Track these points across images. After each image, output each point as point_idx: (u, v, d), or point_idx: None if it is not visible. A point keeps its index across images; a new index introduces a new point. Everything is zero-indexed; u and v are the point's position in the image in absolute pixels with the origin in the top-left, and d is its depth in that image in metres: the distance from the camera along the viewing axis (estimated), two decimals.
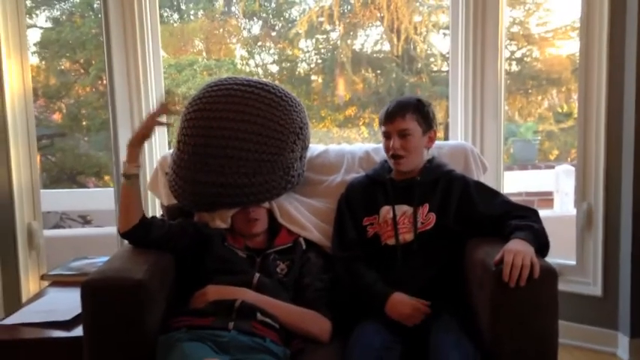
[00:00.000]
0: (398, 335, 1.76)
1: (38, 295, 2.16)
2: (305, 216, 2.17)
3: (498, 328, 1.65)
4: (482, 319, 1.72)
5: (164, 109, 1.94)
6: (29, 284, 2.60)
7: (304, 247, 2.07)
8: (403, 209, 1.98)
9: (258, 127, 2.04)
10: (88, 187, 6.50)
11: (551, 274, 1.63)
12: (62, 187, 6.60)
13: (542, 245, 1.76)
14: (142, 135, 1.93)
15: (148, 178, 2.61)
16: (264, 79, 2.24)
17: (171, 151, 2.24)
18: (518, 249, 1.64)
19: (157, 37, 2.88)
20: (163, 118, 1.95)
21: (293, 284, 1.95)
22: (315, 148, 2.43)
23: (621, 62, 2.57)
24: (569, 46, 5.86)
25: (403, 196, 2.00)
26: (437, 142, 2.44)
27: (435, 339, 1.68)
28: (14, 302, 2.50)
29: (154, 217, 1.99)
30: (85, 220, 6.06)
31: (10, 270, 2.54)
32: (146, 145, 2.78)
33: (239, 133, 2.02)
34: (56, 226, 5.88)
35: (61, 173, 6.97)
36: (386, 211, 1.99)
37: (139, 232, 1.88)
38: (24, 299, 2.51)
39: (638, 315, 2.56)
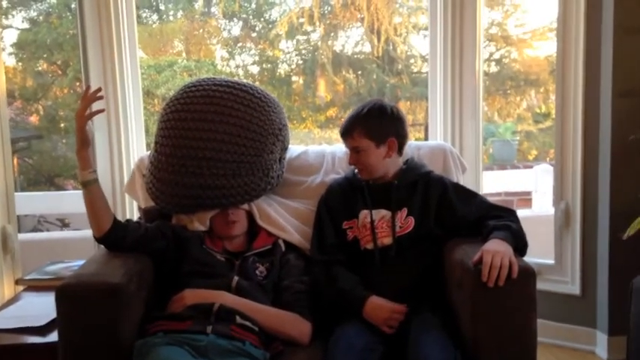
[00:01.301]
0: (379, 336, 1.75)
1: (12, 300, 2.12)
2: (284, 218, 2.15)
3: (478, 327, 1.65)
4: (462, 319, 1.73)
5: (85, 100, 1.83)
6: (4, 289, 2.55)
7: (284, 249, 2.06)
8: (382, 213, 1.97)
9: (236, 128, 2.03)
10: (67, 190, 6.43)
11: (529, 274, 1.64)
12: (40, 190, 6.52)
13: (520, 245, 1.77)
14: (80, 138, 1.82)
15: (126, 181, 2.58)
16: (243, 80, 2.23)
17: (149, 152, 2.22)
18: (496, 249, 1.65)
19: (134, 37, 2.84)
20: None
21: (272, 287, 1.93)
22: (294, 149, 2.42)
23: (597, 62, 2.60)
24: (547, 48, 5.92)
25: (381, 200, 1.98)
26: (416, 143, 2.45)
27: (415, 338, 1.68)
28: None
29: (129, 220, 1.96)
30: (63, 223, 5.97)
31: None
32: (123, 146, 2.79)
33: (217, 134, 2.00)
34: (34, 230, 5.79)
35: (39, 176, 6.89)
36: (364, 215, 1.98)
37: (113, 237, 1.85)
38: None
39: (616, 313, 2.58)
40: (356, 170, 2.04)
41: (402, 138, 2.01)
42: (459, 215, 1.93)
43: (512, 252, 1.66)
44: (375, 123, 1.95)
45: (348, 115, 2.01)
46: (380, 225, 1.95)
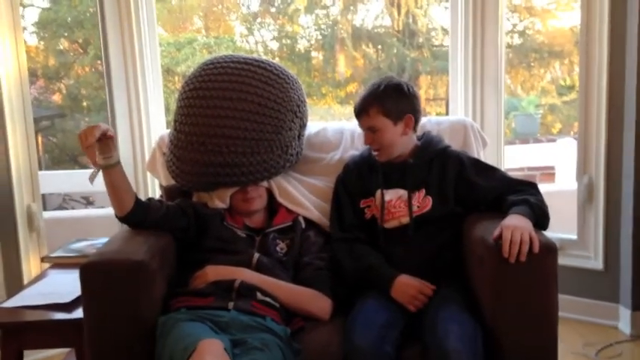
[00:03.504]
0: (399, 312, 1.76)
1: (39, 278, 2.16)
2: (304, 194, 2.16)
3: (499, 303, 1.65)
4: (483, 295, 1.72)
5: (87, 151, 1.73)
6: (30, 266, 2.61)
7: (304, 225, 2.07)
8: (399, 193, 1.95)
9: (255, 105, 2.02)
10: (90, 168, 6.48)
11: (550, 249, 1.62)
12: (64, 169, 6.60)
13: (541, 218, 1.75)
14: (91, 156, 1.75)
15: (147, 159, 2.60)
16: (262, 57, 2.22)
17: (169, 130, 2.23)
18: (516, 224, 1.63)
19: (153, 14, 2.84)
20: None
21: (293, 263, 1.94)
22: (313, 125, 2.41)
23: (622, 34, 2.54)
24: (572, 18, 5.78)
25: (397, 180, 1.96)
26: (436, 118, 2.43)
27: (434, 313, 1.68)
28: (15, 285, 2.50)
29: (151, 199, 1.98)
30: (87, 201, 6.06)
31: (10, 253, 2.54)
32: (144, 125, 2.81)
33: (236, 112, 2.00)
34: (59, 208, 5.89)
35: (63, 154, 6.97)
36: (380, 194, 1.97)
37: (136, 216, 1.85)
38: (25, 281, 2.51)
39: (639, 288, 2.56)
40: (373, 151, 2.00)
41: (417, 114, 1.97)
42: (478, 191, 1.91)
43: (531, 227, 1.65)
44: (392, 100, 1.91)
45: (362, 93, 1.96)
46: (397, 204, 1.94)
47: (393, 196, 1.95)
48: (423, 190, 1.94)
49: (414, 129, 1.98)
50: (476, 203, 1.92)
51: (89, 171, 1.78)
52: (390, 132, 1.92)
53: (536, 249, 1.59)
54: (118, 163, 1.80)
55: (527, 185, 1.88)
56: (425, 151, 1.99)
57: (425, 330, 1.66)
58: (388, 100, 1.91)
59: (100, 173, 1.77)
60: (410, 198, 1.93)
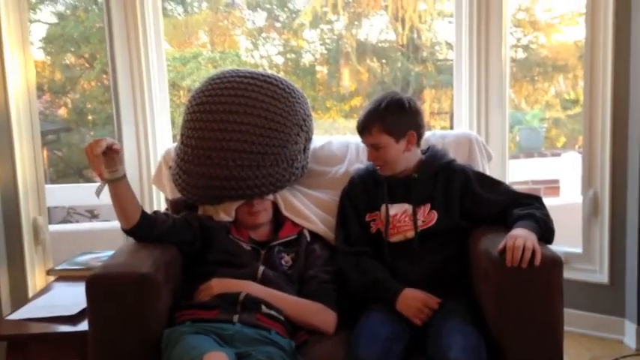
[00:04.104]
0: (404, 325, 1.75)
1: (44, 290, 2.17)
2: (309, 208, 2.16)
3: (504, 316, 1.65)
4: (488, 309, 1.72)
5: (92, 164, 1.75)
6: (35, 279, 2.61)
7: (309, 239, 2.07)
8: (404, 207, 1.95)
9: (261, 119, 2.04)
10: (95, 182, 6.51)
11: (556, 263, 1.62)
12: (69, 182, 6.62)
13: (545, 232, 1.75)
14: (97, 169, 1.77)
15: (153, 172, 2.61)
16: (267, 71, 2.23)
17: (175, 144, 2.24)
18: (520, 235, 1.64)
19: (160, 29, 2.87)
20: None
21: (298, 277, 1.94)
22: (318, 139, 2.42)
23: (627, 47, 2.55)
24: (576, 32, 5.80)
25: (402, 194, 1.96)
26: (441, 132, 2.44)
27: (438, 325, 1.69)
28: (21, 297, 2.51)
29: (157, 212, 1.98)
30: (92, 214, 6.08)
31: (16, 265, 2.55)
32: (150, 138, 2.83)
33: (242, 126, 2.02)
34: (64, 221, 5.90)
35: (68, 168, 7.00)
36: (385, 208, 1.97)
37: (142, 229, 1.86)
38: (30, 294, 2.51)
39: None
40: (376, 167, 2.00)
41: (421, 130, 1.97)
42: (483, 205, 1.91)
43: (536, 239, 1.65)
44: (394, 118, 1.90)
45: (364, 110, 1.96)
46: (402, 218, 1.94)
47: (398, 210, 1.95)
48: (429, 205, 1.94)
49: (418, 144, 1.98)
50: (481, 217, 1.92)
51: (94, 184, 1.79)
52: (393, 149, 1.92)
53: (538, 261, 1.59)
54: (124, 176, 1.81)
55: (533, 199, 1.89)
56: (429, 165, 1.99)
57: (428, 342, 1.66)
58: (390, 118, 1.90)
59: (107, 187, 1.79)
60: (415, 212, 1.93)
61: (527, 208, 1.81)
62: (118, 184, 1.79)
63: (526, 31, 6.22)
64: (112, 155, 1.76)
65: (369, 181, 2.04)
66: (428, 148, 2.07)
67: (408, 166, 1.98)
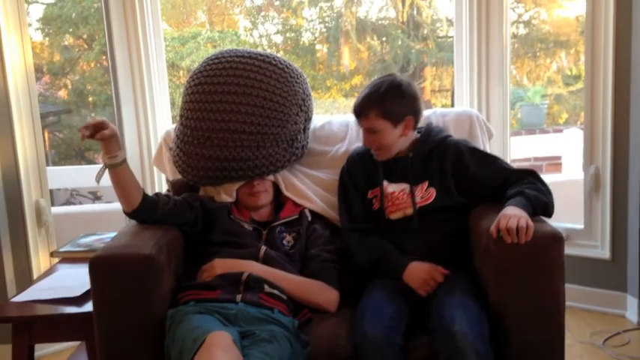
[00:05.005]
0: (404, 305, 1.76)
1: (48, 272, 2.18)
2: (310, 187, 2.16)
3: (505, 292, 1.66)
4: (489, 285, 1.73)
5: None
6: (39, 261, 2.63)
7: (310, 218, 2.08)
8: (402, 186, 1.95)
9: (260, 99, 2.03)
10: (97, 163, 6.52)
11: (556, 239, 1.62)
12: (71, 164, 6.63)
13: (539, 207, 1.74)
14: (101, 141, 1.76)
15: (153, 154, 2.61)
16: (266, 51, 2.22)
17: (175, 125, 2.24)
18: (511, 213, 1.65)
19: (157, 9, 2.85)
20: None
21: (299, 256, 1.95)
22: (318, 119, 2.41)
23: (628, 22, 2.53)
24: (578, 7, 5.74)
25: (399, 174, 1.96)
26: (441, 110, 2.42)
27: (440, 299, 1.70)
28: (25, 279, 2.52)
29: (158, 194, 1.98)
30: (95, 196, 6.09)
31: (20, 248, 2.56)
32: (150, 120, 2.82)
33: (241, 106, 2.01)
34: (67, 203, 5.91)
35: (70, 150, 6.99)
36: (384, 186, 1.98)
37: (143, 212, 1.86)
38: (35, 276, 2.53)
39: None
40: (372, 151, 1.99)
41: (418, 115, 1.95)
42: (477, 181, 1.91)
43: (526, 215, 1.65)
44: (392, 103, 1.88)
45: (362, 93, 1.93)
46: (401, 196, 1.94)
47: (397, 188, 1.96)
48: (426, 182, 1.94)
49: (414, 128, 1.97)
50: (476, 192, 1.92)
51: (96, 166, 1.79)
52: (389, 134, 1.91)
53: (529, 237, 1.60)
54: (124, 161, 1.81)
55: (526, 173, 1.88)
56: (423, 143, 1.98)
57: (432, 314, 1.67)
58: (388, 103, 1.88)
59: (107, 171, 1.79)
60: (412, 190, 1.93)
61: (520, 184, 1.81)
62: (118, 169, 1.79)
63: (527, 6, 6.16)
64: (109, 140, 1.75)
65: (367, 158, 2.04)
66: (423, 128, 2.06)
67: (403, 146, 1.98)
